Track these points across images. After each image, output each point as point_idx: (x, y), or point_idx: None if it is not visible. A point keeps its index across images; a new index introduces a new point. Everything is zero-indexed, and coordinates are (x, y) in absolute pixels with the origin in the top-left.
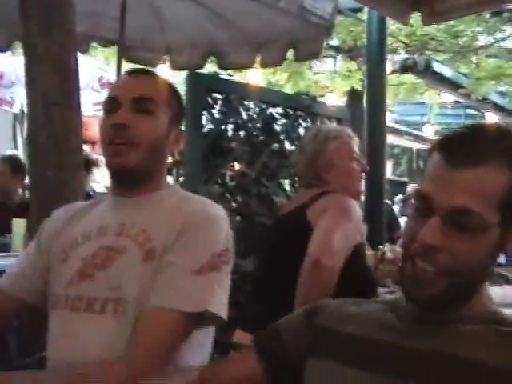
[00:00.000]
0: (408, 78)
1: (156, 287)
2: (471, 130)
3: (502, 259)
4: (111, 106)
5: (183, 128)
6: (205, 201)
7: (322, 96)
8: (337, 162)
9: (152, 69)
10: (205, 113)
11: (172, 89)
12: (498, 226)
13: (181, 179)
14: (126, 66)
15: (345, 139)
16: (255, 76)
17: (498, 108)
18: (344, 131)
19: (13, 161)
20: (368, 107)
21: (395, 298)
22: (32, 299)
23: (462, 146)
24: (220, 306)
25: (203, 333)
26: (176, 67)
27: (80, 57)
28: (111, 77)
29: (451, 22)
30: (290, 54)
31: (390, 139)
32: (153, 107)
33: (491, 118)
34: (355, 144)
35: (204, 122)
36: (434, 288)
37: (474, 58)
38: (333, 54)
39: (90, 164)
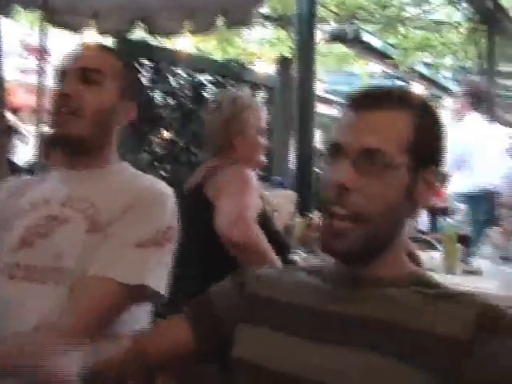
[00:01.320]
0: (338, 47)
1: (96, 257)
2: (377, 87)
3: (424, 225)
4: (60, 76)
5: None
6: (153, 179)
7: (252, 63)
8: (248, 131)
9: (77, 33)
10: None
11: (125, 63)
12: (406, 168)
13: None
14: (52, 30)
15: (258, 110)
16: (185, 43)
17: (424, 78)
18: (257, 101)
19: None
20: (297, 76)
21: (323, 264)
22: None
23: (368, 95)
24: (159, 281)
25: (139, 309)
26: (102, 32)
27: (3, 20)
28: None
29: None
30: (221, 21)
31: (320, 108)
32: (99, 78)
33: (417, 88)
34: (264, 116)
35: None
36: (350, 238)
37: (401, 29)
38: (263, 22)
39: (11, 130)
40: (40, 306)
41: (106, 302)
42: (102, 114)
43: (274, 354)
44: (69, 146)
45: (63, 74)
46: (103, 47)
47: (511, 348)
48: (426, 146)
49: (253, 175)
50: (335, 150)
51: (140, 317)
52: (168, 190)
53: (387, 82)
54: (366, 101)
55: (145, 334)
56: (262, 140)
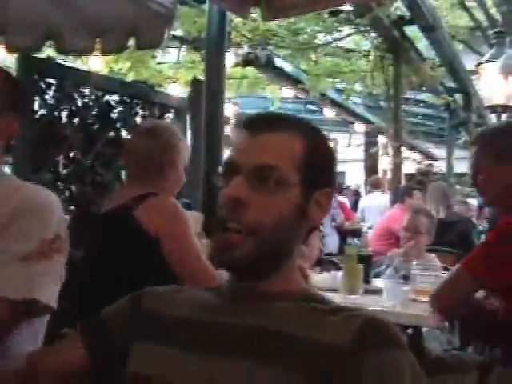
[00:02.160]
0: (251, 71)
1: None
2: (273, 112)
3: (334, 248)
4: None
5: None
6: (38, 188)
7: (164, 86)
8: (179, 162)
9: None
10: (37, 98)
11: (2, 76)
12: (299, 186)
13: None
14: None
15: (186, 143)
16: (97, 63)
17: (335, 104)
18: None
19: None
20: (206, 98)
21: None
22: None
23: (260, 119)
24: (49, 294)
25: (37, 322)
26: (11, 49)
27: None
28: None
29: (292, 20)
30: (132, 42)
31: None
32: None
33: (328, 113)
34: (188, 150)
35: (36, 107)
36: (242, 250)
37: (313, 56)
38: (177, 44)
39: None
40: None
41: None
42: None
43: (164, 367)
44: None
45: None
46: None
47: (386, 360)
48: (318, 167)
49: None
50: (230, 169)
51: (37, 330)
52: (54, 198)
53: (299, 107)
54: (260, 123)
55: (36, 352)
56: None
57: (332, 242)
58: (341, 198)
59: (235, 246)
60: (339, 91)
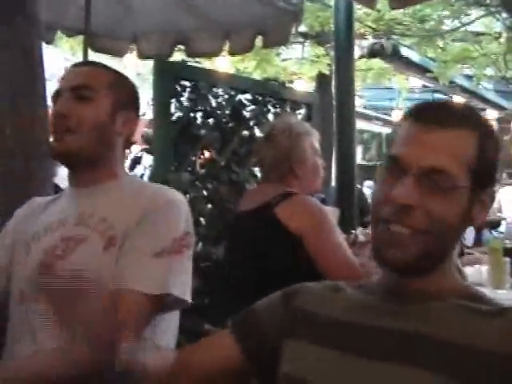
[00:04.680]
0: (376, 63)
1: (118, 271)
2: (442, 102)
3: (469, 240)
4: (55, 97)
5: (151, 114)
6: (163, 187)
7: (291, 82)
8: (307, 158)
9: (119, 58)
10: (173, 101)
11: (117, 75)
12: (468, 189)
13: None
14: (92, 55)
15: (313, 135)
16: (224, 64)
17: (464, 91)
18: (310, 127)
19: None
20: (337, 92)
21: (369, 280)
22: None
23: (433, 111)
24: (183, 288)
25: (167, 318)
26: (143, 56)
27: (45, 47)
28: None
29: (418, 7)
30: (258, 40)
31: (360, 124)
32: (91, 94)
33: (458, 100)
34: (317, 137)
35: (173, 110)
36: (409, 250)
37: (440, 42)
38: (300, 40)
39: None
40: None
41: (133, 315)
42: (99, 128)
43: (320, 370)
44: (70, 161)
45: (57, 95)
46: (92, 63)
47: None
48: (488, 168)
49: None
50: (396, 164)
51: (168, 326)
52: (180, 197)
53: (427, 96)
54: (432, 116)
55: (189, 349)
56: (319, 161)
57: (467, 233)
58: None
59: (401, 247)
60: (469, 77)
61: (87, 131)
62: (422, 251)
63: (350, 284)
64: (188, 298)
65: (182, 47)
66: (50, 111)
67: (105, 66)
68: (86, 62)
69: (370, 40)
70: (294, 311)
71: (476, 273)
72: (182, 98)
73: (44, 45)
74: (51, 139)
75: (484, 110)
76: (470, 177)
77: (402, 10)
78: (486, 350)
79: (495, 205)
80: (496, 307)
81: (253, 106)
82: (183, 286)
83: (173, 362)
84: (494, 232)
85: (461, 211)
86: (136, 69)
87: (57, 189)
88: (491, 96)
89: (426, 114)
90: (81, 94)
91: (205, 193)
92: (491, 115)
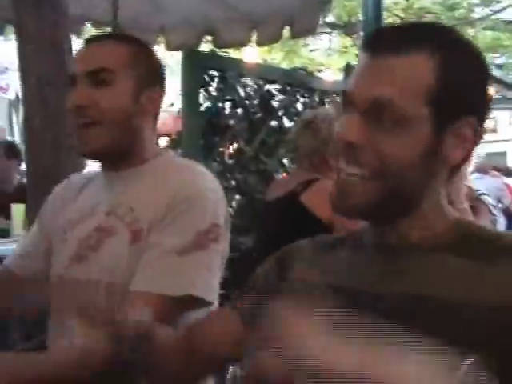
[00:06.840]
0: None
1: (139, 269)
2: (397, 25)
3: (501, 227)
4: (72, 83)
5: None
6: (193, 171)
7: (319, 72)
8: None
9: None
10: (202, 91)
11: (136, 47)
12: (427, 122)
13: None
14: None
15: None
16: (251, 54)
17: (495, 80)
18: None
19: (7, 145)
20: None
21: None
22: None
23: (383, 37)
24: (206, 288)
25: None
26: (171, 48)
27: (74, 39)
28: None
29: None
30: (286, 31)
31: None
32: (110, 77)
33: (489, 91)
34: None
35: (201, 100)
36: (365, 195)
37: (470, 31)
38: (328, 30)
39: None
40: None
41: (155, 317)
42: (123, 113)
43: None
44: (98, 158)
45: (73, 80)
46: (107, 36)
47: None
48: (457, 92)
49: None
50: (347, 98)
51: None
52: (209, 183)
53: None
54: (383, 43)
55: (195, 322)
56: None
57: (498, 225)
58: (507, 180)
59: (355, 193)
60: (499, 66)
61: (111, 120)
62: (377, 198)
63: (343, 238)
64: (211, 298)
65: (209, 38)
66: (68, 101)
67: (121, 38)
68: (100, 36)
69: None
70: (286, 279)
71: None
72: (210, 88)
73: (73, 37)
74: (75, 134)
75: None
76: (431, 106)
77: None
78: (481, 306)
79: None
80: (492, 246)
81: (281, 96)
82: (206, 285)
83: (179, 335)
84: None
85: (423, 147)
86: (164, 60)
87: None
88: None
89: (374, 42)
90: (99, 78)
91: (233, 183)
92: None
